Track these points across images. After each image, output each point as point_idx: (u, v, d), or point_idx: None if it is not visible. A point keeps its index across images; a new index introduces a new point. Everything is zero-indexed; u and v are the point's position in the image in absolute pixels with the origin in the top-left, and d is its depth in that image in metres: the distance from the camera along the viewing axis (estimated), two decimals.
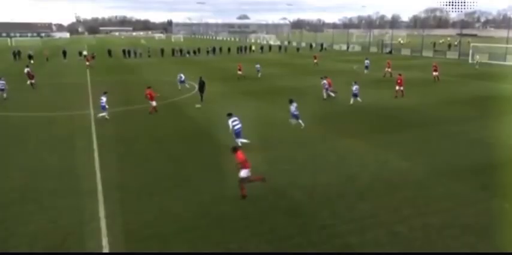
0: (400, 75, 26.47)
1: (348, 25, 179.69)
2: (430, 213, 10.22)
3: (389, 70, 35.78)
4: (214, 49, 70.04)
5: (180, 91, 28.60)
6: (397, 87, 26.00)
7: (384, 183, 12.16)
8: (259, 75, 37.36)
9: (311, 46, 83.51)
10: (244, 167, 11.06)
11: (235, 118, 15.57)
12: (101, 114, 20.65)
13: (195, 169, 13.60)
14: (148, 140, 16.87)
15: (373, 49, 73.80)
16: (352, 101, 23.34)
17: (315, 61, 48.06)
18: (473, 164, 13.73)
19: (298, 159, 14.37)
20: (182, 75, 30.84)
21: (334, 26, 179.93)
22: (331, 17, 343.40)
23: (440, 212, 10.28)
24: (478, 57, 46.77)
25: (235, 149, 11.47)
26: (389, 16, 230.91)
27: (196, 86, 26.36)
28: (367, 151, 15.21)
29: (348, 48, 78.80)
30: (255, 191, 11.60)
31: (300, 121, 18.12)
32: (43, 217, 10.24)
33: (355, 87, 23.70)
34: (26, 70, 34.73)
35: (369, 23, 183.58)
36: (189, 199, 11.24)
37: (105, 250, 8.81)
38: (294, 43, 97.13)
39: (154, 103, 21.82)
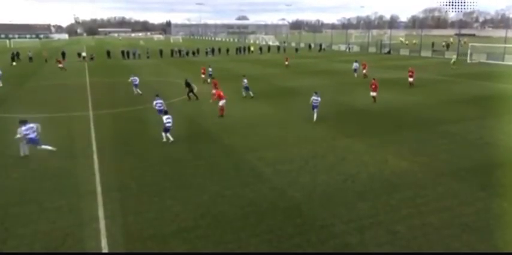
0: (374, 79, 24.81)
1: (346, 25, 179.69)
2: (429, 212, 10.23)
3: (364, 71, 35.77)
4: (213, 50, 70.05)
5: (177, 92, 28.52)
6: (371, 93, 24.08)
7: (383, 183, 12.18)
8: (209, 80, 32.37)
9: (310, 46, 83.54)
10: None
11: (31, 126, 14.71)
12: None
13: (195, 169, 13.59)
14: (147, 141, 16.85)
15: (372, 49, 73.91)
16: (315, 117, 19.61)
17: (286, 63, 46.87)
18: (472, 164, 13.76)
19: (297, 159, 14.39)
20: (136, 78, 28.67)
21: (332, 26, 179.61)
22: (330, 18, 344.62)
23: (440, 211, 10.30)
24: (455, 56, 47.58)
25: None
26: (388, 16, 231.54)
27: (186, 88, 26.59)
28: (366, 151, 15.23)
29: (348, 49, 78.66)
30: (254, 192, 11.64)
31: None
32: (42, 218, 10.25)
33: (317, 99, 19.78)
34: None
35: (367, 24, 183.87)
36: (188, 199, 11.23)
37: (105, 251, 8.81)
38: (293, 44, 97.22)
39: (221, 103, 21.11)
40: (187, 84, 26.69)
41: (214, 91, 23.69)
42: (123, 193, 11.69)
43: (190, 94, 26.28)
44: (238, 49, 73.20)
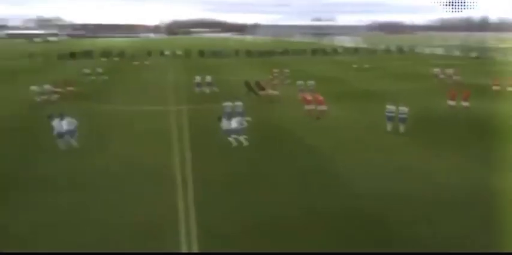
0: (455, 87, 23.21)
1: (444, 27, 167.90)
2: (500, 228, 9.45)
3: (458, 77, 34.38)
4: (295, 51, 70.49)
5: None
6: (450, 102, 22.68)
7: (470, 197, 11.42)
8: (287, 81, 33.50)
9: (395, 49, 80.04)
10: None
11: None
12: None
13: (272, 170, 13.77)
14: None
15: (469, 53, 68.06)
16: (402, 129, 18.21)
17: (356, 66, 45.53)
18: None
19: (379, 166, 13.96)
20: (208, 78, 29.27)
21: (419, 28, 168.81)
22: (421, 19, 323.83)
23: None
24: None
25: None
26: (493, 17, 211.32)
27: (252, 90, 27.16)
28: (455, 163, 14.27)
29: (443, 52, 73.42)
30: (331, 197, 11.63)
31: None
32: (125, 208, 10.93)
33: (402, 110, 18.19)
34: None
35: (466, 25, 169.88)
36: (262, 200, 11.42)
37: (183, 248, 9.19)
38: (379, 46, 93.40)
39: (306, 107, 21.66)
40: (248, 85, 27.16)
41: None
42: (201, 188, 12.15)
43: (261, 92, 26.51)
44: (319, 51, 72.69)
